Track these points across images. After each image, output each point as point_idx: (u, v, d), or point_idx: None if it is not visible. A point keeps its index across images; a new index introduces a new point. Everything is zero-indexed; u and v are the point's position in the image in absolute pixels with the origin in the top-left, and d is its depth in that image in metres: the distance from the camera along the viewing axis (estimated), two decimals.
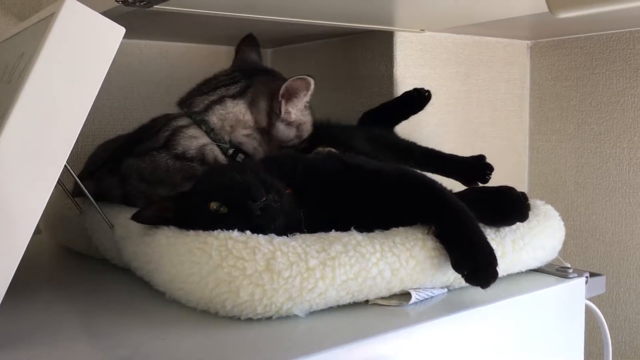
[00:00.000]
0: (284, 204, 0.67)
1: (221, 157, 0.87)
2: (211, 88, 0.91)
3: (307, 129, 0.94)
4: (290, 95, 0.89)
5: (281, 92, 0.88)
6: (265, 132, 0.90)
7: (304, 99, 0.90)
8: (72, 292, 0.79)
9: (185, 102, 0.91)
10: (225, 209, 0.66)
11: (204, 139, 0.86)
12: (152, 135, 0.87)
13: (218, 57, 1.37)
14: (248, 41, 1.01)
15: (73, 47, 0.58)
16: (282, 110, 0.89)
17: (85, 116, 0.59)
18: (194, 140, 0.85)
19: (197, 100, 0.90)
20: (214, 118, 0.87)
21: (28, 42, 0.63)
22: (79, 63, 0.58)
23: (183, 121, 0.88)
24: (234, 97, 0.89)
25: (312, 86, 0.89)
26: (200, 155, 0.85)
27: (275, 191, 0.67)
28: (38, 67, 0.57)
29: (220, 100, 0.89)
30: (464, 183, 0.96)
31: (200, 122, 0.87)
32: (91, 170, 0.92)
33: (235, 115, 0.88)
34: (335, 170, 0.76)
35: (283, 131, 0.90)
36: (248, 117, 0.89)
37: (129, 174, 0.85)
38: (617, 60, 1.27)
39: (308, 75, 0.88)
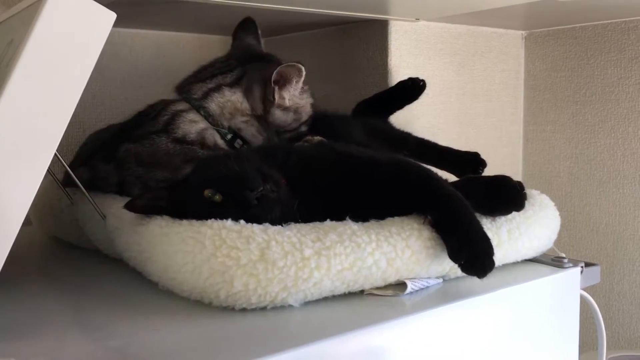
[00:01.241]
0: (281, 194, 0.66)
1: (220, 142, 0.87)
2: (208, 76, 0.91)
3: (306, 111, 0.94)
4: (284, 81, 0.90)
5: (273, 79, 0.88)
6: (262, 118, 0.90)
7: (297, 85, 0.90)
8: (63, 283, 0.78)
9: (183, 89, 0.91)
10: (219, 197, 0.65)
11: (203, 124, 0.87)
12: (150, 119, 0.86)
13: (210, 47, 1.36)
14: (245, 26, 1.00)
15: (63, 33, 0.57)
16: (276, 96, 0.89)
17: (75, 103, 0.57)
18: (193, 124, 0.86)
19: (195, 87, 0.90)
20: (213, 105, 0.88)
21: (17, 29, 0.62)
22: (69, 49, 0.57)
23: (182, 105, 0.88)
24: (230, 85, 0.90)
25: (304, 72, 0.89)
26: (200, 139, 0.85)
27: (272, 181, 0.66)
28: (27, 53, 0.55)
29: (218, 89, 0.89)
30: (456, 175, 0.95)
31: (199, 108, 0.88)
32: (84, 158, 0.91)
33: (233, 103, 0.89)
34: (329, 160, 0.76)
35: (280, 116, 0.90)
36: (245, 105, 0.89)
37: (126, 159, 0.84)
38: (611, 50, 1.27)
39: (298, 62, 0.88)
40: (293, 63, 0.88)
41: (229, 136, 0.88)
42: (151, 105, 0.92)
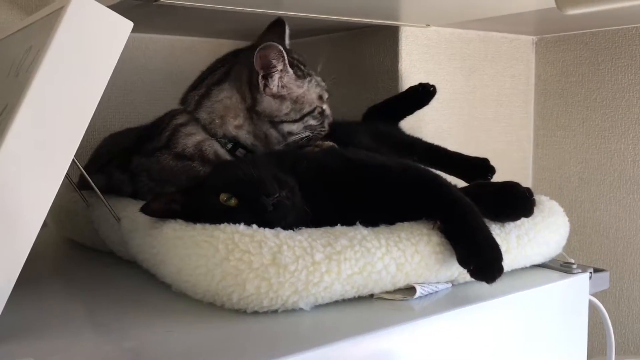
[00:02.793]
0: (296, 201, 0.67)
1: (221, 151, 0.85)
2: (200, 80, 0.89)
3: (309, 101, 0.88)
4: (267, 65, 0.84)
5: (255, 63, 0.83)
6: (253, 111, 0.85)
7: (282, 68, 0.84)
8: (78, 284, 0.79)
9: (184, 99, 0.90)
10: (234, 202, 0.66)
11: (201, 135, 0.85)
12: (157, 134, 0.87)
13: (223, 51, 1.36)
14: (271, 25, 0.96)
15: (82, 41, 0.58)
16: (260, 81, 0.84)
17: (93, 109, 0.59)
18: (190, 137, 0.84)
19: (190, 96, 0.88)
20: (204, 114, 0.85)
21: (36, 36, 0.64)
22: (87, 57, 0.58)
23: (182, 119, 0.87)
24: (218, 82, 0.87)
25: (284, 52, 0.84)
26: (198, 152, 0.83)
27: (288, 188, 0.67)
28: (47, 60, 0.57)
29: (206, 93, 0.87)
30: (465, 181, 0.96)
31: (196, 119, 0.86)
32: (101, 163, 0.92)
33: (223, 103, 0.85)
34: (339, 165, 0.77)
35: (270, 105, 0.85)
36: (235, 98, 0.85)
37: (139, 172, 0.85)
38: (622, 56, 1.27)
39: (273, 42, 0.83)
40: (270, 43, 0.82)
41: (229, 145, 0.85)
42: (161, 117, 0.91)
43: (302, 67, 0.90)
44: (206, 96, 0.86)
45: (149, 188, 0.84)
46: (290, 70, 0.86)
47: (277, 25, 0.94)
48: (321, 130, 0.91)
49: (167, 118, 0.89)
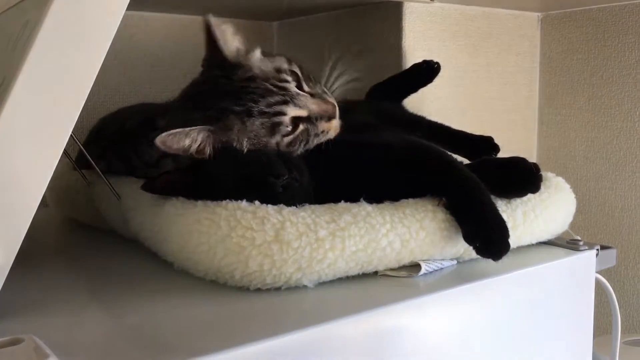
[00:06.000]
0: (304, 183, 0.66)
1: None
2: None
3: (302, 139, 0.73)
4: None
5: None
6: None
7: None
8: (79, 263, 0.79)
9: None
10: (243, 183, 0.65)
11: None
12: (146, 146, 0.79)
13: None
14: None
15: (78, 13, 0.56)
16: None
17: (90, 84, 0.57)
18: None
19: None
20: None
21: (32, 10, 0.62)
22: (84, 29, 0.57)
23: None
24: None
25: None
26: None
27: (297, 170, 0.66)
28: (42, 34, 0.55)
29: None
30: (469, 160, 0.95)
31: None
32: (100, 148, 0.90)
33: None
34: (342, 142, 0.76)
35: None
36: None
37: (143, 174, 0.81)
38: (629, 33, 1.25)
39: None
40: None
41: None
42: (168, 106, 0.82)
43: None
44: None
45: None
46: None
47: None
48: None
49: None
